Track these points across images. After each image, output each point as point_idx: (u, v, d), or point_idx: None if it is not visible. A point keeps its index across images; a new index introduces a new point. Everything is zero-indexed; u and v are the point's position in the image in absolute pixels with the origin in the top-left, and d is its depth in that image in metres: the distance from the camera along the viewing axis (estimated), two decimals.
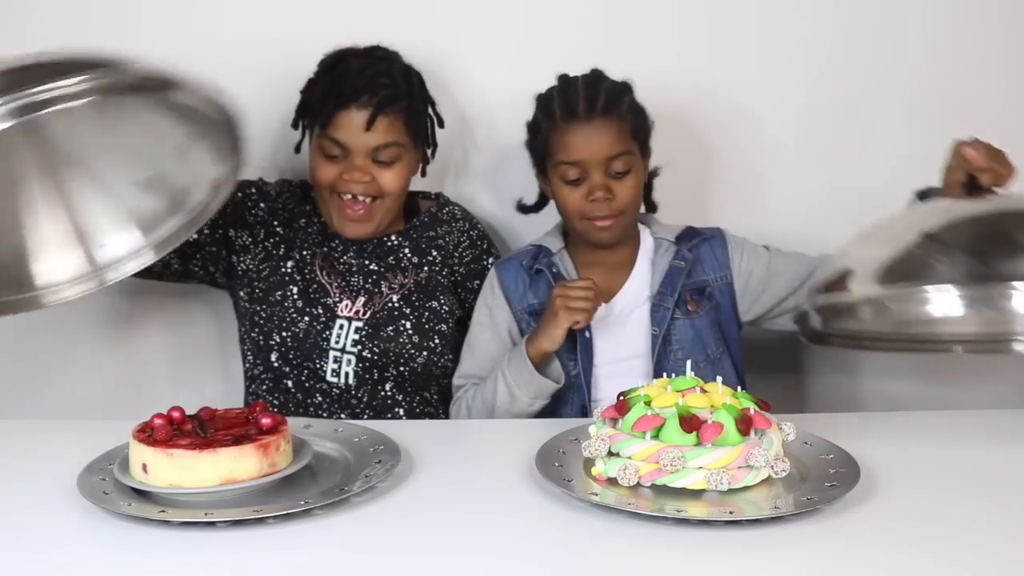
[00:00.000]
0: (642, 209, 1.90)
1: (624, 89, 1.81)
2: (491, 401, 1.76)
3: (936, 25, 2.09)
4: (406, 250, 1.95)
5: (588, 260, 1.87)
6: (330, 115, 1.83)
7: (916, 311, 1.35)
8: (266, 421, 1.38)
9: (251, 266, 1.93)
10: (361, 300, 1.90)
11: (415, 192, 2.01)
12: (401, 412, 1.89)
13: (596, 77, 1.81)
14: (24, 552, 1.24)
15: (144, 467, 1.33)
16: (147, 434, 1.35)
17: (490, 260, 1.99)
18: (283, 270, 1.91)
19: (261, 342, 1.89)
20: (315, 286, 1.90)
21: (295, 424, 1.50)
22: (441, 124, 1.97)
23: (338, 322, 1.88)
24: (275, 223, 1.95)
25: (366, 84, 1.82)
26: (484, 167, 2.14)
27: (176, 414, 1.40)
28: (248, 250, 1.94)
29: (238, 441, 1.33)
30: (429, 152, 1.97)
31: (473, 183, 2.14)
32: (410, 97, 1.88)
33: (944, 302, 1.34)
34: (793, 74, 2.10)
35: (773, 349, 2.08)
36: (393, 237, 1.95)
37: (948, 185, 1.60)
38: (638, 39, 2.07)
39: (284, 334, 1.88)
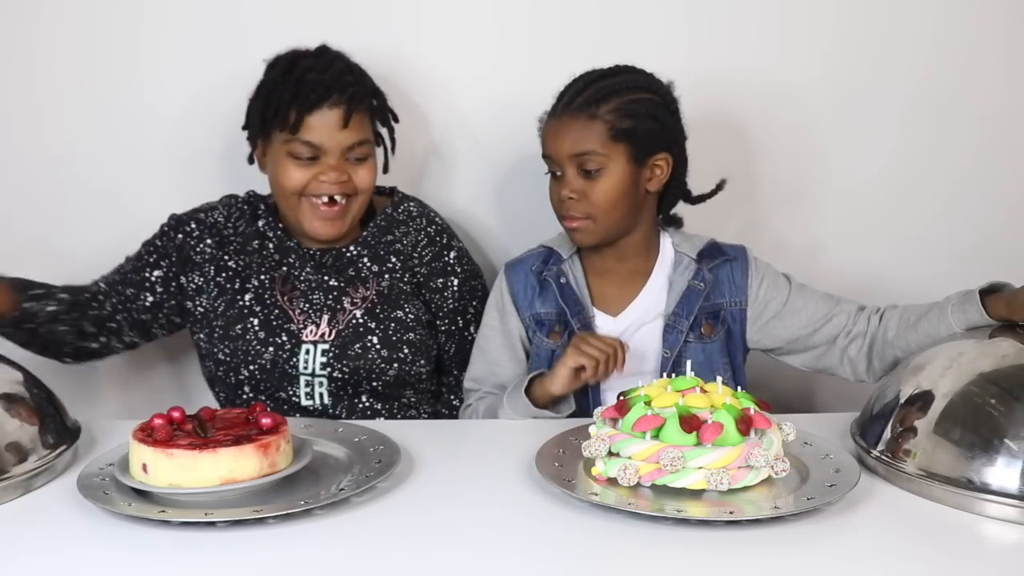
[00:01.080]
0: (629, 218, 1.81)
1: (622, 89, 1.71)
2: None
3: (940, 24, 2.09)
4: (365, 259, 1.90)
5: (599, 268, 1.82)
6: (301, 118, 1.78)
7: (970, 506, 1.31)
8: (266, 421, 1.37)
9: (208, 306, 1.88)
10: (325, 319, 1.85)
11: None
12: (382, 419, 1.86)
13: (597, 74, 1.74)
14: (24, 552, 1.24)
15: (144, 467, 1.32)
16: (147, 434, 1.34)
17: (451, 255, 1.94)
18: (240, 303, 1.86)
19: (231, 380, 1.86)
20: (276, 312, 1.85)
21: (295, 424, 1.50)
22: (396, 119, 1.94)
23: (304, 347, 1.83)
24: (225, 257, 1.89)
25: (334, 83, 1.79)
26: (465, 168, 2.13)
27: (176, 414, 1.39)
28: (202, 291, 1.89)
29: (238, 441, 1.33)
30: (389, 148, 1.93)
31: (452, 184, 2.13)
32: (373, 95, 1.86)
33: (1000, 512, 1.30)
34: (796, 72, 2.10)
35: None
36: (351, 248, 1.91)
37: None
38: (644, 38, 2.06)
39: (252, 367, 1.83)
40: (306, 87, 1.78)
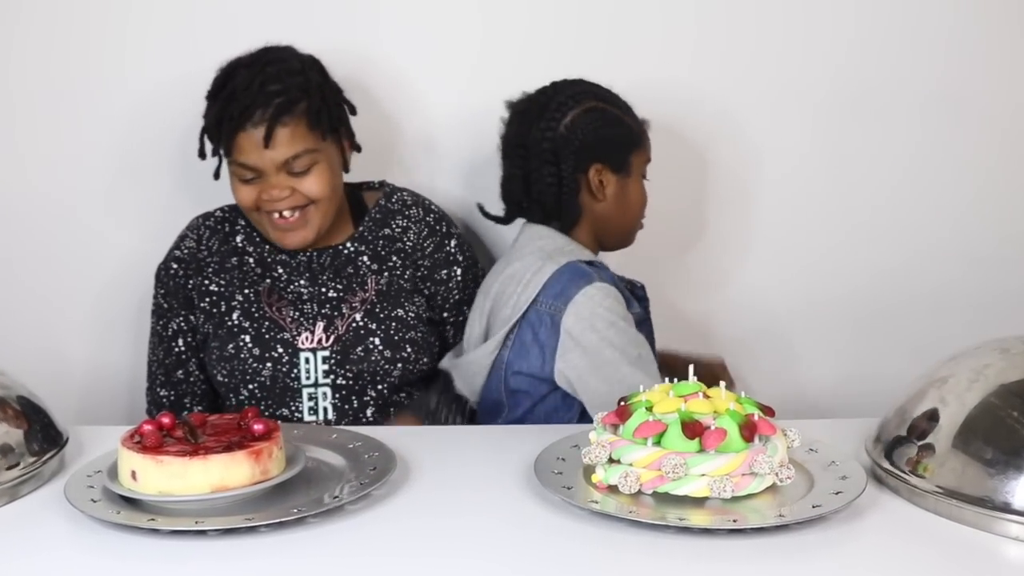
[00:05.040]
0: None
1: None
2: None
3: (941, 25, 2.08)
4: (364, 257, 1.89)
5: None
6: (229, 140, 1.76)
7: (988, 525, 1.26)
8: (258, 427, 1.35)
9: (207, 330, 1.88)
10: (320, 326, 1.83)
11: (358, 184, 1.96)
12: (378, 427, 1.83)
13: None
14: (10, 560, 1.22)
15: (133, 474, 1.30)
16: (136, 440, 1.33)
17: (452, 244, 1.91)
18: (229, 323, 1.85)
19: (232, 400, 1.85)
20: (267, 324, 1.84)
21: (288, 430, 1.48)
22: (353, 111, 1.88)
23: (303, 356, 1.82)
24: (206, 283, 1.88)
25: (254, 99, 1.74)
26: (447, 163, 2.11)
27: (166, 420, 1.37)
28: (199, 319, 1.89)
29: (229, 448, 1.31)
30: (346, 146, 1.88)
31: (433, 179, 2.11)
32: (307, 96, 1.78)
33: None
34: (790, 77, 2.09)
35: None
36: (348, 244, 1.89)
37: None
38: (621, 42, 2.06)
39: (251, 386, 1.83)
40: (231, 107, 1.75)
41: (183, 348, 1.91)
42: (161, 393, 1.92)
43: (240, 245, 1.90)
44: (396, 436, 1.54)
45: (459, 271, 1.91)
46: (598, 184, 1.77)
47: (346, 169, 1.89)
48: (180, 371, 1.91)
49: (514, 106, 1.82)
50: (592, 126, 1.76)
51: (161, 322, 1.92)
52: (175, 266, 1.90)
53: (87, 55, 2.03)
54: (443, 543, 1.25)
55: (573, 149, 1.75)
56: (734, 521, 1.24)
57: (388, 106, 2.05)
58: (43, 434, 1.47)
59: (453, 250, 1.91)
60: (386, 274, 1.88)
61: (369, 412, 1.84)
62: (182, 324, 1.90)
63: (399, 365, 1.82)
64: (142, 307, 2.01)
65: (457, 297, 1.91)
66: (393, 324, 1.83)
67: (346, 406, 1.83)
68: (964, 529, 1.26)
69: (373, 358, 1.81)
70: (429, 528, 1.28)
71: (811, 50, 2.07)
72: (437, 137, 2.07)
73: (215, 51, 1.83)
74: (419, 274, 1.90)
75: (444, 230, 1.93)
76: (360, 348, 1.82)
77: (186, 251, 1.91)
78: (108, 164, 2.07)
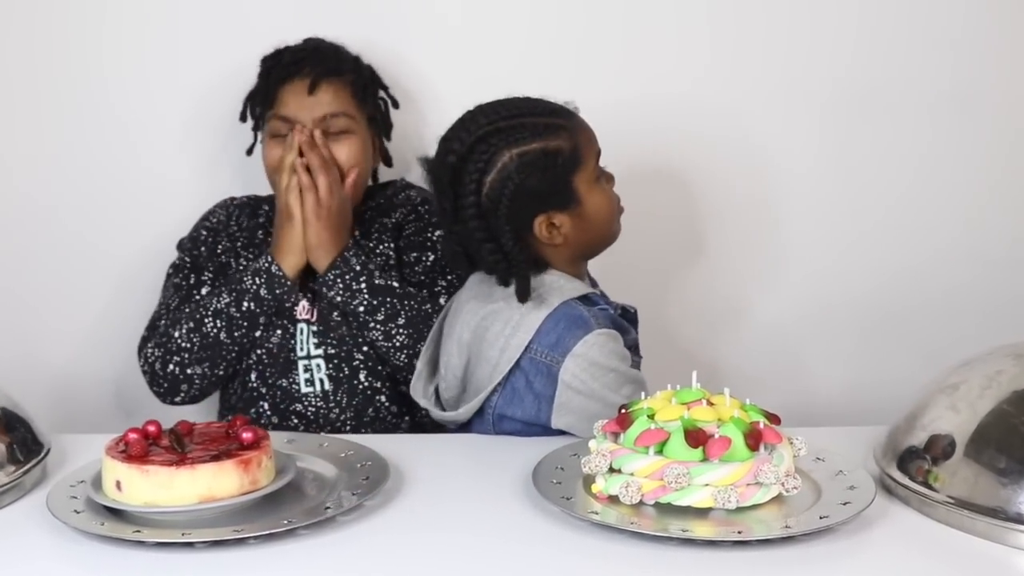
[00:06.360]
0: None
1: None
2: None
3: (950, 24, 2.07)
4: (356, 234, 1.91)
5: None
6: (275, 91, 1.84)
7: (1000, 537, 1.23)
8: (247, 436, 1.33)
9: None
10: (309, 296, 1.88)
11: (376, 186, 2.00)
12: (383, 399, 1.88)
13: None
14: None
15: (118, 484, 1.28)
16: (121, 449, 1.31)
17: (437, 234, 1.91)
18: None
19: (241, 364, 1.89)
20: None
21: (278, 439, 1.46)
22: (396, 105, 1.97)
23: (298, 327, 1.87)
24: (239, 246, 1.94)
25: (307, 57, 1.85)
26: None
27: (152, 428, 1.35)
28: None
29: (217, 457, 1.29)
30: (381, 141, 1.96)
31: None
32: (356, 72, 1.88)
33: None
34: (813, 78, 2.08)
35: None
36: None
37: None
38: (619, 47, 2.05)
39: (259, 351, 1.88)
40: (283, 58, 1.85)
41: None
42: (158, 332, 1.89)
43: (264, 223, 1.95)
44: (389, 444, 1.52)
45: (431, 257, 1.90)
46: (549, 233, 1.58)
47: (385, 160, 1.97)
48: None
49: (430, 171, 1.61)
50: (516, 182, 1.54)
51: (186, 279, 1.91)
52: (204, 233, 1.94)
53: (102, 60, 2.05)
54: (439, 555, 1.23)
55: (505, 216, 1.55)
56: (739, 533, 1.22)
57: (410, 106, 2.05)
58: (25, 443, 1.44)
59: (435, 239, 1.91)
60: (370, 245, 1.91)
61: (363, 376, 1.87)
62: (204, 278, 1.91)
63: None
64: (133, 314, 2.01)
65: (420, 279, 1.90)
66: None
67: (340, 375, 1.87)
68: (976, 541, 1.24)
69: (350, 320, 1.85)
70: (424, 540, 1.27)
71: (817, 50, 2.06)
72: None
73: (245, 50, 1.90)
74: (394, 249, 1.92)
75: (429, 218, 1.93)
76: (336, 314, 1.86)
77: (215, 221, 1.96)
78: (108, 167, 2.08)
